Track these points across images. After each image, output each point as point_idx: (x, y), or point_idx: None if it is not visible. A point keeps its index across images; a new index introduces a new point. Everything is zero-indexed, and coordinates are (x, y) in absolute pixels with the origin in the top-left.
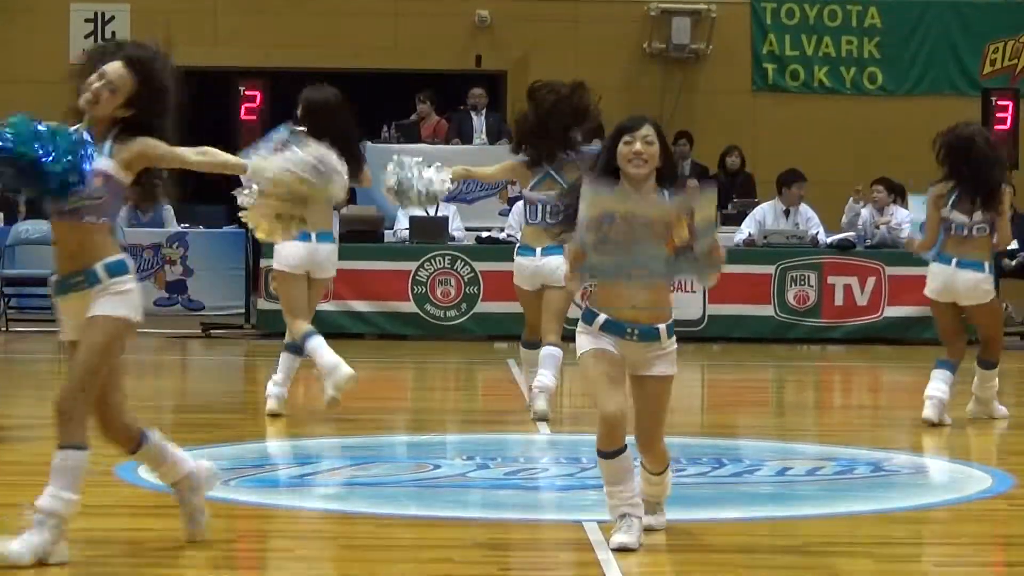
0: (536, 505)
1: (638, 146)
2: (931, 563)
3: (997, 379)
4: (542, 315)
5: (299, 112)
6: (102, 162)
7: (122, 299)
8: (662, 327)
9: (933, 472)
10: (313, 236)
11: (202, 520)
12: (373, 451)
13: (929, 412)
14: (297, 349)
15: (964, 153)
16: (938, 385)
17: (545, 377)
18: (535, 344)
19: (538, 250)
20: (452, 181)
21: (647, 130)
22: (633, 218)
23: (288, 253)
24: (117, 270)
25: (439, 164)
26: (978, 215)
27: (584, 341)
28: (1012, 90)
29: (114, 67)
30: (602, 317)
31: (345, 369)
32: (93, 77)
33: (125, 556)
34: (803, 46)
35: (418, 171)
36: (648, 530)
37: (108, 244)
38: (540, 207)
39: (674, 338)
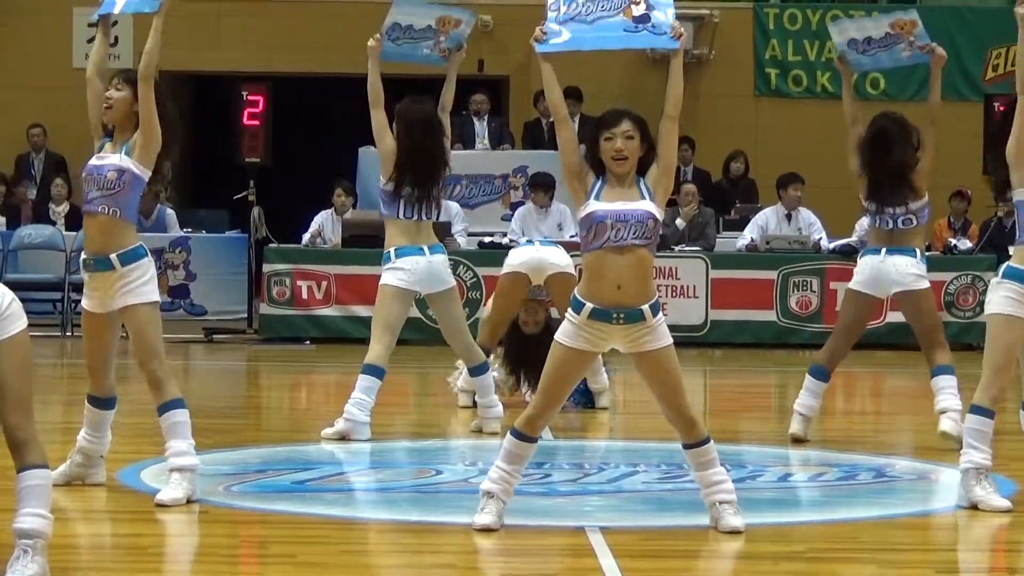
0: (538, 511)
1: (619, 143)
2: (934, 569)
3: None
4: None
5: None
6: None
7: None
8: (646, 307)
9: (935, 478)
10: (426, 249)
11: None
12: (375, 456)
13: (797, 427)
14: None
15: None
16: (805, 401)
17: (599, 381)
18: (486, 351)
19: (536, 241)
20: None
21: (626, 125)
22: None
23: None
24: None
25: None
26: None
27: (566, 332)
28: (1014, 96)
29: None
30: (589, 306)
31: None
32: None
33: (127, 561)
34: (805, 51)
35: None
36: (733, 532)
37: None
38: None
39: (660, 315)
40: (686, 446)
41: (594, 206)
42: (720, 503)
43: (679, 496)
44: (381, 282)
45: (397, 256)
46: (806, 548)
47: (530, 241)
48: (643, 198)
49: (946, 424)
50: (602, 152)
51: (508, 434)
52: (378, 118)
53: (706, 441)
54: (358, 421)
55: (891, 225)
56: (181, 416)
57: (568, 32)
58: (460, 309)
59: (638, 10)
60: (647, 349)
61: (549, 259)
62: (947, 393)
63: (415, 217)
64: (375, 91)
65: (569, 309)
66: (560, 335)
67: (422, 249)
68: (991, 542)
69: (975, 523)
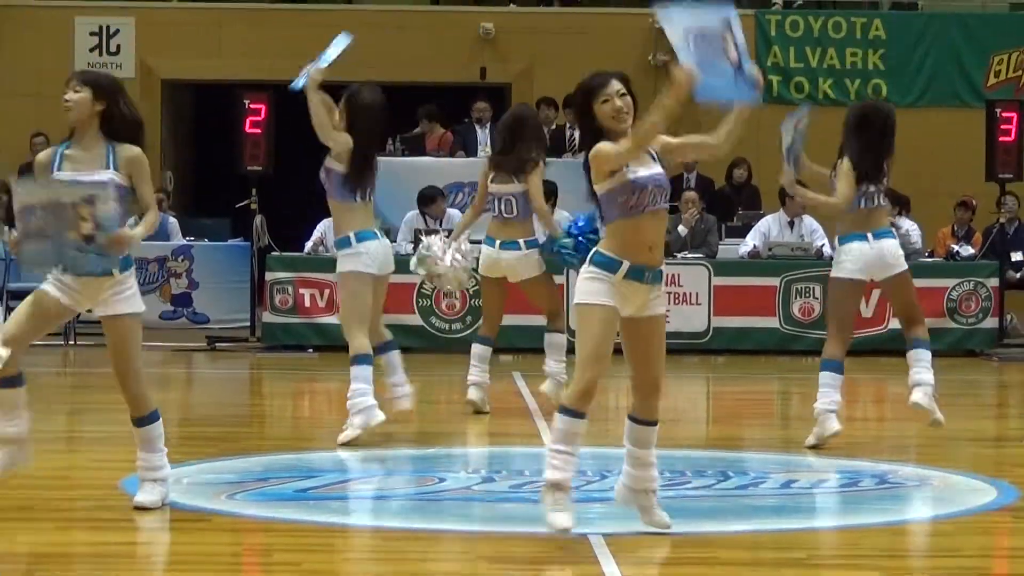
0: (541, 518)
1: (618, 102)
2: None
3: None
4: (545, 303)
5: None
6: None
7: None
8: (662, 267)
9: (938, 484)
10: (378, 232)
11: None
12: (378, 464)
13: (837, 425)
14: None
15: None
16: (835, 398)
17: (556, 368)
18: (487, 340)
19: (497, 243)
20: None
21: (617, 84)
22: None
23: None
24: None
25: (453, 243)
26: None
27: (599, 291)
28: (1016, 101)
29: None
30: (626, 265)
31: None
32: None
33: (130, 570)
34: (808, 58)
35: (443, 253)
36: (663, 531)
37: None
38: (496, 200)
39: None
40: (642, 422)
41: (634, 171)
42: (651, 491)
43: (681, 503)
44: (347, 269)
45: (358, 240)
46: (808, 555)
47: (490, 239)
48: (655, 161)
49: (917, 396)
50: (601, 116)
51: (558, 415)
52: (340, 140)
53: (657, 422)
54: (368, 405)
55: (872, 204)
56: (160, 429)
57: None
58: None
59: (733, 55)
60: (654, 313)
61: (516, 265)
62: (922, 366)
63: (367, 200)
64: (321, 121)
65: (594, 268)
66: (593, 296)
67: (376, 233)
68: (993, 548)
69: (977, 529)
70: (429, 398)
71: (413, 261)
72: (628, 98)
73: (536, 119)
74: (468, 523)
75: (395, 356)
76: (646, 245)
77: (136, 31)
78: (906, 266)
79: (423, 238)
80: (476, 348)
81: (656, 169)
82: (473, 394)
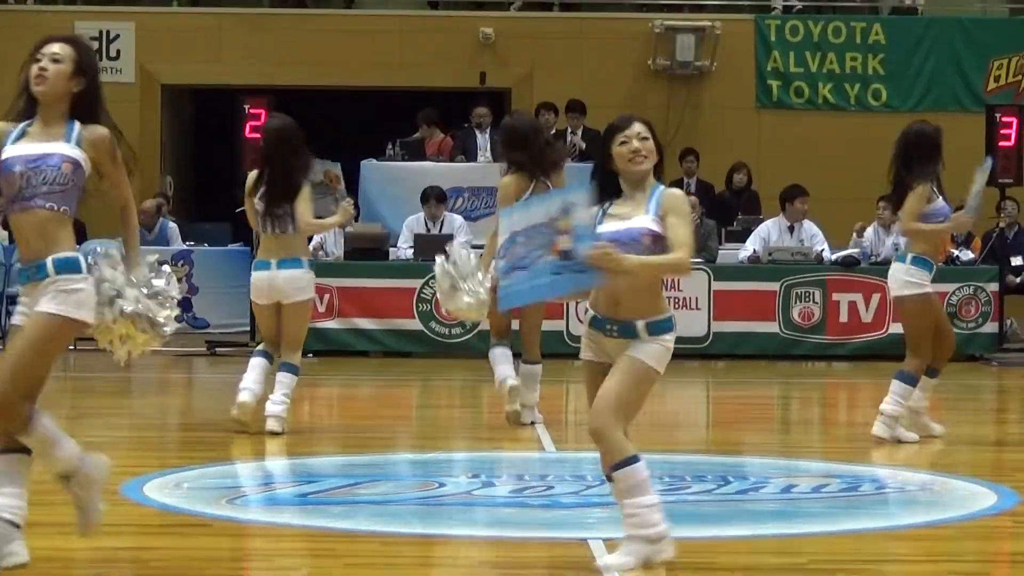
0: (541, 523)
1: (635, 144)
2: None
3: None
4: (521, 331)
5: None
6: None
7: (66, 297)
8: (640, 323)
9: (938, 489)
10: (273, 263)
11: (95, 517)
12: (378, 469)
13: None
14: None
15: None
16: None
17: (528, 397)
18: (503, 343)
19: None
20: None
21: (639, 127)
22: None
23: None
24: (66, 267)
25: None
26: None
27: (582, 343)
28: (1016, 106)
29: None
30: (591, 313)
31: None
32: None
33: (131, 574)
34: (807, 63)
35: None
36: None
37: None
38: None
39: (665, 336)
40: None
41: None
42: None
43: (681, 508)
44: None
45: (254, 269)
46: (808, 560)
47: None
48: (647, 213)
49: (875, 428)
50: (617, 158)
51: (609, 482)
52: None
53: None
54: (246, 384)
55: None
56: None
57: (510, 283)
58: (301, 322)
59: (564, 244)
60: (624, 352)
61: None
62: (892, 398)
63: (270, 231)
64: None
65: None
66: (582, 351)
67: (269, 264)
68: (993, 553)
69: (978, 534)
70: (429, 403)
71: (438, 267)
72: (650, 143)
73: (534, 127)
74: (468, 528)
75: (287, 377)
76: (611, 296)
77: (136, 36)
78: (900, 294)
79: (450, 247)
80: (500, 352)
81: (627, 224)
82: (526, 417)
